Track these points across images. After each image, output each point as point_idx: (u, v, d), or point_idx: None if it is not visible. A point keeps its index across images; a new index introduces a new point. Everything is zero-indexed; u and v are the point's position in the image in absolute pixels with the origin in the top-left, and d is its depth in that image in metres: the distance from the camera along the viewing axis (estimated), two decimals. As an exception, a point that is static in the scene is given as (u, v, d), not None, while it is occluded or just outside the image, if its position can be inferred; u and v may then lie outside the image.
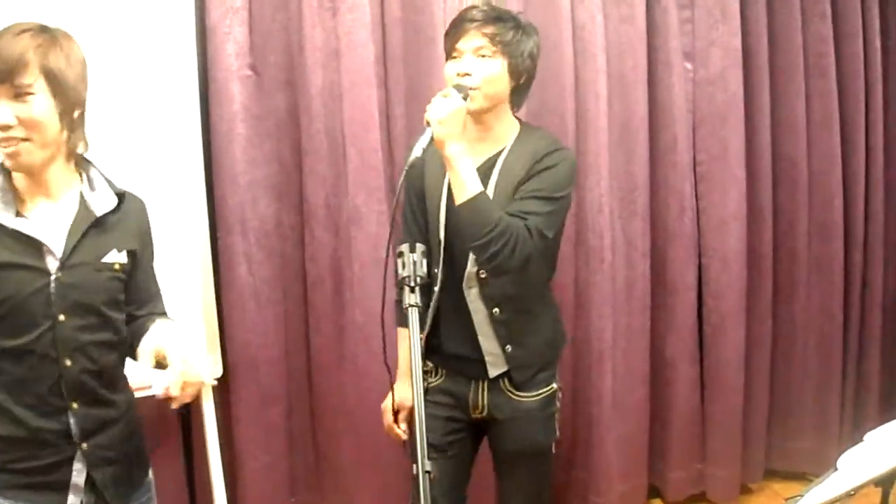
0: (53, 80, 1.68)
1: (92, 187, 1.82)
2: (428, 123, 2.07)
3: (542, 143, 2.26)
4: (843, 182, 3.52)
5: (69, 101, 1.71)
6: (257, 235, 3.00)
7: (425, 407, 2.13)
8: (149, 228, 1.95)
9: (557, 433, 2.43)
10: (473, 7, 2.24)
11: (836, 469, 1.80)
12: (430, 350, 2.36)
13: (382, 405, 2.43)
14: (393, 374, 2.30)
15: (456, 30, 2.21)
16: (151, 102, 2.63)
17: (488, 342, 2.29)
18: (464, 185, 2.10)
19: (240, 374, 3.00)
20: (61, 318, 1.71)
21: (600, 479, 3.30)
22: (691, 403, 3.43)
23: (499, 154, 2.26)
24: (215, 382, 2.84)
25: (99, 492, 1.81)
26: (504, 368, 2.30)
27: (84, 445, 1.78)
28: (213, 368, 2.89)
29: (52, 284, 1.71)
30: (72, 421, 1.76)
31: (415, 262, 1.81)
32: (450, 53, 2.22)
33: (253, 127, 2.99)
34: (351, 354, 3.04)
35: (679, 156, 3.28)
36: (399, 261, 1.83)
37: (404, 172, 2.10)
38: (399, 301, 2.27)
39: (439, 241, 2.29)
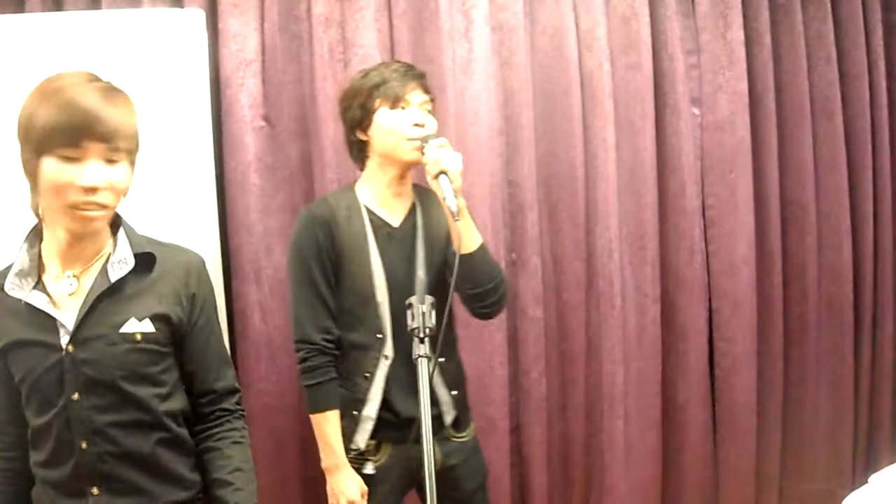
0: (135, 149, 1.63)
1: (115, 249, 1.69)
2: (441, 173, 2.09)
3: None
4: (852, 224, 3.52)
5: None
6: (271, 283, 3.04)
7: (377, 488, 2.25)
8: (198, 289, 1.76)
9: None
10: (398, 62, 2.36)
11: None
12: (381, 424, 2.27)
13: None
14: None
15: (402, 82, 2.24)
16: (166, 153, 2.67)
17: (440, 390, 2.31)
18: (473, 234, 2.17)
19: (255, 421, 3.01)
20: (75, 396, 1.61)
21: (614, 524, 3.29)
22: (704, 448, 3.43)
23: (412, 210, 2.31)
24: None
25: None
26: (454, 413, 2.33)
27: None
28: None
29: (65, 361, 1.61)
30: None
31: (423, 314, 1.79)
32: (395, 103, 2.24)
33: (266, 177, 3.05)
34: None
35: (688, 201, 3.30)
36: (409, 312, 1.81)
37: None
38: (320, 382, 2.25)
39: (376, 304, 2.25)
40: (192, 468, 1.78)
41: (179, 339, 1.73)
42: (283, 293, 3.03)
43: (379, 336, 2.25)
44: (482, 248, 2.19)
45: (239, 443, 1.81)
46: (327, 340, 2.25)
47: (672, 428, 3.44)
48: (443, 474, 2.29)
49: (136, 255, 1.68)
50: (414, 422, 2.18)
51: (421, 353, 1.77)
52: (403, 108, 2.24)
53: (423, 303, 1.81)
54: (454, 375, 2.35)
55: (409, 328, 1.79)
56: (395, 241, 2.27)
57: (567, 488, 3.36)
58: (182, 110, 2.72)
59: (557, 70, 3.18)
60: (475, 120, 3.08)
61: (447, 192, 2.07)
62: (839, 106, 3.48)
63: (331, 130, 2.99)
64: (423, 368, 1.76)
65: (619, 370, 3.23)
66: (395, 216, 2.30)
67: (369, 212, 2.30)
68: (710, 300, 3.41)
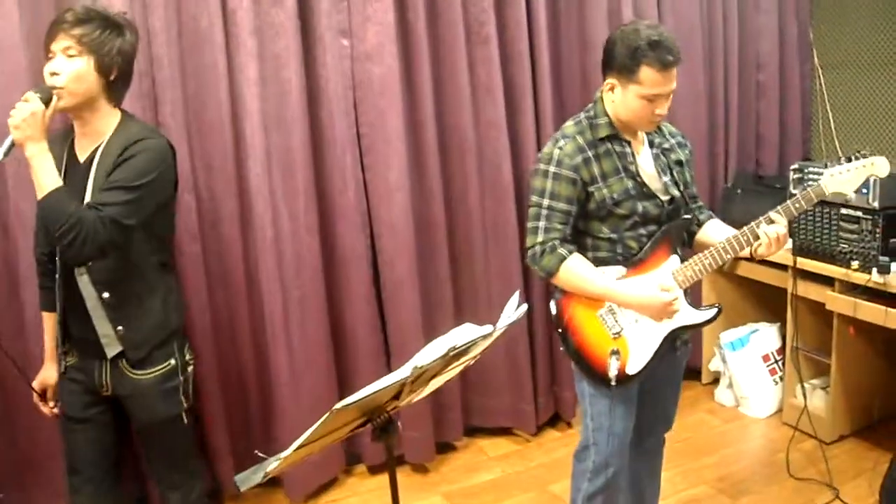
0: None
1: None
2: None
3: (132, 133, 2.39)
4: (511, 146, 3.65)
5: None
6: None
7: (66, 384, 2.52)
8: None
9: (185, 403, 2.57)
10: (68, 10, 2.36)
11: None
12: (64, 333, 2.52)
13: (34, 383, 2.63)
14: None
15: (49, 32, 2.33)
16: None
17: (102, 324, 2.43)
18: (41, 183, 2.23)
19: None
20: None
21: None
22: (377, 370, 3.49)
23: (97, 148, 2.39)
24: None
25: None
26: (119, 349, 2.44)
27: None
28: None
29: None
30: None
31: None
32: (46, 55, 2.33)
33: None
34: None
35: (338, 131, 3.38)
36: None
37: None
38: (40, 286, 2.60)
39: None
40: None
41: None
42: None
43: (57, 258, 2.45)
44: (48, 196, 2.24)
45: None
46: (42, 254, 2.57)
47: (343, 352, 3.55)
48: (116, 400, 2.53)
49: None
50: (82, 340, 2.48)
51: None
52: (50, 58, 2.32)
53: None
54: (126, 313, 2.44)
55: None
56: (77, 174, 2.37)
57: (244, 418, 3.46)
58: None
59: (201, 9, 3.19)
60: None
61: (4, 145, 2.20)
62: (495, 30, 3.57)
63: None
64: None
65: (278, 300, 3.32)
66: (82, 152, 2.42)
67: (69, 147, 2.43)
68: (371, 226, 3.49)
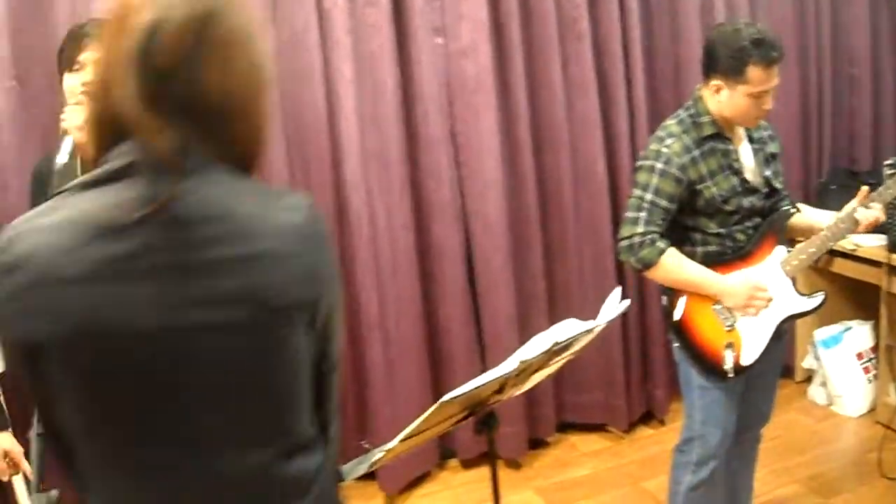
0: None
1: None
2: (66, 132, 2.19)
3: None
4: (605, 142, 3.65)
5: None
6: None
7: None
8: None
9: None
10: (90, 21, 2.37)
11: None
12: None
13: None
14: None
15: (77, 43, 2.33)
16: None
17: None
18: None
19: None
20: None
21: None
22: (471, 366, 3.54)
23: None
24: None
25: None
26: None
27: None
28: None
29: None
30: None
31: None
32: (71, 65, 2.33)
33: (19, 135, 3.14)
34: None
35: (432, 128, 3.41)
36: None
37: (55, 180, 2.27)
38: None
39: None
40: None
41: None
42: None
43: None
44: None
45: None
46: None
47: (438, 348, 3.58)
48: None
49: None
50: None
51: None
52: (78, 69, 2.32)
53: None
54: None
55: None
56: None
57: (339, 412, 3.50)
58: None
59: (297, 10, 3.26)
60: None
61: (62, 151, 2.17)
62: (588, 26, 3.57)
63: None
64: None
65: (374, 295, 3.36)
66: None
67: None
68: (466, 223, 3.52)
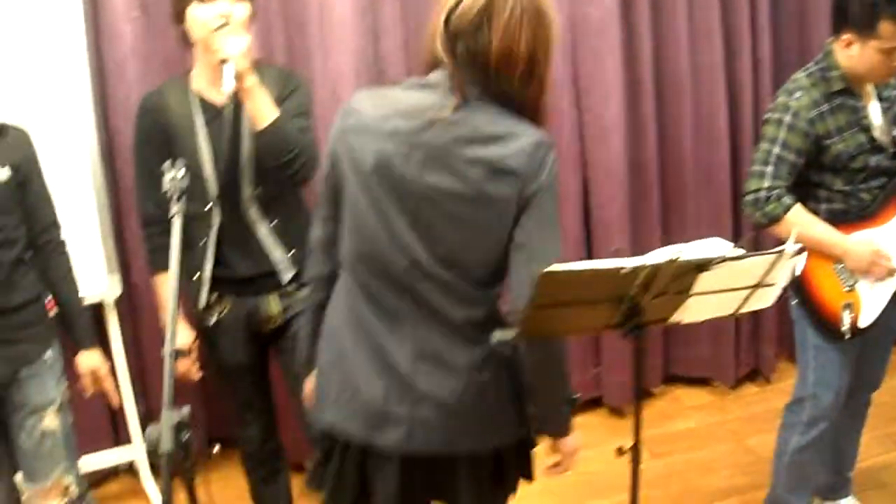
0: None
1: None
2: (224, 61, 2.22)
3: (278, 70, 2.53)
4: (728, 92, 3.59)
5: None
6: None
7: (222, 335, 2.54)
8: (32, 156, 2.33)
9: None
10: None
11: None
12: (217, 282, 2.50)
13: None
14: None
15: None
16: (40, 43, 2.89)
17: (276, 252, 2.49)
18: (265, 111, 2.28)
19: (142, 293, 3.25)
20: None
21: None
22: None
23: None
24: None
25: None
26: (293, 271, 2.50)
27: None
28: (114, 288, 3.16)
29: None
30: None
31: (174, 177, 1.90)
32: None
33: (144, 64, 3.20)
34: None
35: (555, 72, 3.37)
36: (163, 179, 1.92)
37: (230, 106, 2.36)
38: (154, 248, 2.54)
39: (204, 178, 2.42)
40: (36, 280, 2.37)
41: (19, 189, 2.28)
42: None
43: (207, 208, 2.45)
44: (274, 124, 2.29)
45: (64, 266, 2.42)
46: (160, 211, 2.40)
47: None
48: (283, 325, 2.56)
49: None
50: (249, 280, 2.48)
51: (175, 211, 1.89)
52: (212, 0, 2.34)
53: (174, 167, 1.93)
54: (293, 235, 2.50)
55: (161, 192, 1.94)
56: (222, 121, 2.42)
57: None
58: (55, 3, 2.93)
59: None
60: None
61: (226, 78, 2.22)
62: (714, -26, 3.52)
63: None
64: (178, 225, 1.87)
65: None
66: (219, 95, 2.42)
67: (199, 95, 2.47)
68: (585, 168, 3.50)
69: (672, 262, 1.76)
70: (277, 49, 3.22)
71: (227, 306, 2.53)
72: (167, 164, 1.95)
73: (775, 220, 2.43)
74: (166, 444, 1.56)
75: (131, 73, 3.17)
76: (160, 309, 2.59)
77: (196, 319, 2.56)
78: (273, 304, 2.52)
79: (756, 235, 3.44)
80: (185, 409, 1.65)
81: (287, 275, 2.51)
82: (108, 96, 3.20)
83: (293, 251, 2.49)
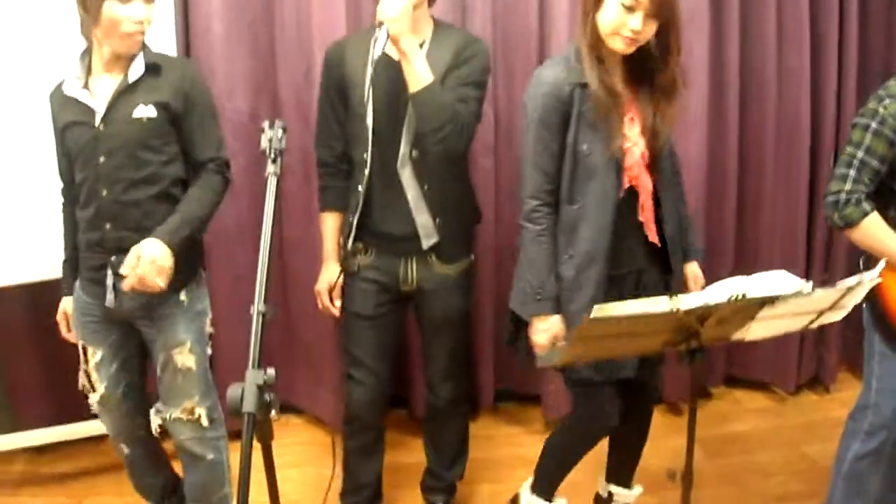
0: None
1: (134, 60, 2.31)
2: (381, 23, 2.24)
3: (461, 35, 2.49)
4: (812, 99, 3.56)
5: None
6: (233, 125, 3.22)
7: (358, 283, 2.57)
8: (190, 89, 2.36)
9: (471, 299, 2.72)
10: None
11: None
12: (363, 230, 2.55)
13: (315, 288, 2.71)
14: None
15: None
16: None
17: (422, 216, 2.49)
18: (419, 75, 2.28)
19: (215, 256, 3.25)
20: (101, 159, 2.28)
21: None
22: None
23: (420, 46, 2.41)
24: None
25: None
26: (435, 239, 2.51)
27: (112, 258, 2.32)
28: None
29: (98, 134, 2.28)
30: (104, 237, 2.31)
31: (271, 138, 1.92)
32: None
33: (230, 20, 3.20)
34: (320, 238, 3.23)
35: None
36: (262, 137, 1.93)
37: (370, 70, 2.37)
38: (322, 187, 2.64)
39: (366, 127, 2.46)
40: None
41: (178, 122, 2.35)
42: (245, 135, 3.23)
43: (365, 155, 2.48)
44: (427, 89, 2.29)
45: (202, 186, 2.40)
46: (331, 155, 2.64)
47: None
48: (415, 293, 2.61)
49: (146, 65, 2.31)
50: (393, 238, 2.53)
51: (271, 171, 1.91)
52: None
53: (272, 127, 1.94)
54: (443, 204, 2.52)
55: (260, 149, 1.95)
56: (394, 72, 2.39)
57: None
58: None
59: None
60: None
61: (380, 40, 2.27)
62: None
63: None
64: (272, 185, 1.89)
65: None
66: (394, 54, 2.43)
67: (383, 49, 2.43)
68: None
69: (734, 302, 1.75)
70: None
71: (370, 257, 2.58)
72: (266, 123, 1.97)
73: (851, 224, 2.40)
74: (249, 405, 1.56)
75: (216, 30, 3.19)
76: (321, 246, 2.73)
77: (342, 261, 2.62)
78: (410, 268, 2.55)
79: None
80: (271, 371, 1.66)
81: (428, 241, 2.52)
82: (192, 56, 3.22)
83: (439, 220, 2.50)
